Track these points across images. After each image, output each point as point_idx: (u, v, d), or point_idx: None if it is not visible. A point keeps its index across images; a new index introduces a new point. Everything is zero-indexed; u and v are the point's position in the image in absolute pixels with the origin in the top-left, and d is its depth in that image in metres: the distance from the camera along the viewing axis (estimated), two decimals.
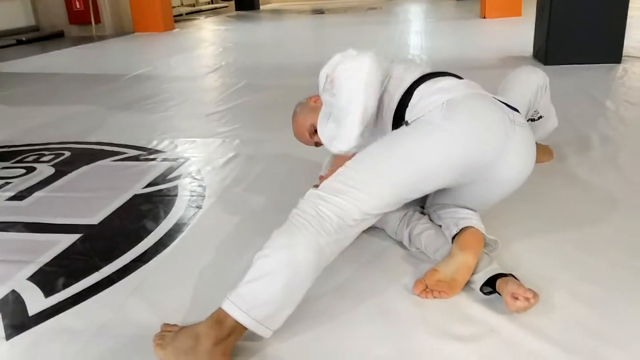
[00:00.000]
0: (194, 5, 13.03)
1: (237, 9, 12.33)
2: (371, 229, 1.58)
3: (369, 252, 1.59)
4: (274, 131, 2.83)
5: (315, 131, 1.72)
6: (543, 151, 2.22)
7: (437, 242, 1.52)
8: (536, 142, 2.12)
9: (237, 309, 1.16)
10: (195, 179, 2.28)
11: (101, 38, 8.07)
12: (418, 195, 1.38)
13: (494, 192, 1.48)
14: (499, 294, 1.30)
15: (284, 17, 10.78)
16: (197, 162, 2.48)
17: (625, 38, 4.12)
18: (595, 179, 2.05)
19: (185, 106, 3.65)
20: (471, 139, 1.35)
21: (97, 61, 6.06)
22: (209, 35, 8.22)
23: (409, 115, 1.46)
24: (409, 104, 1.47)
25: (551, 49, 4.17)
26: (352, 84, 1.44)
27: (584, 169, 2.15)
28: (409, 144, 1.34)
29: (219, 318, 1.17)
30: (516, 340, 1.19)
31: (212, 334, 1.16)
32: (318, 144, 1.77)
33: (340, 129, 1.49)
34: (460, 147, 1.33)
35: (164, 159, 2.52)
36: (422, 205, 1.69)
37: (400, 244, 1.62)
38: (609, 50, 4.09)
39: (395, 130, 1.46)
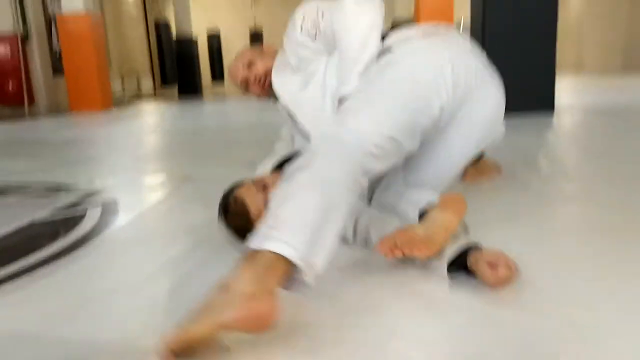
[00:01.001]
0: (136, 93, 13.02)
1: (179, 93, 12.35)
2: None
3: None
4: (207, 167, 2.60)
5: (249, 65, 1.60)
6: (492, 166, 2.09)
7: (390, 225, 1.25)
8: (484, 157, 1.99)
9: (270, 240, 0.89)
10: (109, 203, 1.97)
11: (34, 117, 7.75)
12: (426, 120, 1.23)
13: (469, 140, 1.34)
14: (471, 272, 1.07)
15: (226, 100, 10.87)
16: (115, 191, 2.18)
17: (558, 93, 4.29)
18: (550, 188, 1.92)
19: (113, 156, 3.37)
20: (457, 55, 1.31)
21: (25, 133, 5.71)
22: (149, 110, 8.08)
23: (388, 42, 1.37)
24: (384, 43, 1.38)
25: None
26: (365, 26, 1.35)
27: (535, 180, 2.03)
28: (404, 66, 1.28)
29: (250, 257, 0.90)
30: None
31: (244, 273, 0.87)
32: (246, 81, 1.63)
33: (349, 70, 1.36)
34: (449, 60, 1.27)
35: (77, 192, 2.21)
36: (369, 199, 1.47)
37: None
38: (543, 101, 4.22)
39: (384, 60, 1.32)
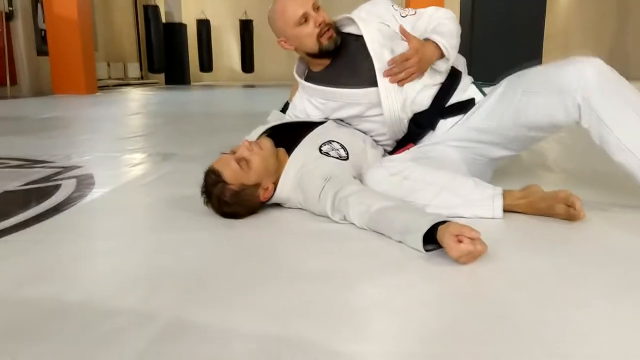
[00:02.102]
0: (122, 79, 12.83)
1: (167, 81, 12.23)
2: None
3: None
4: (188, 148, 2.57)
5: (317, 8, 1.48)
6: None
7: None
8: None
9: None
10: (85, 177, 1.93)
11: (16, 97, 7.60)
12: None
13: None
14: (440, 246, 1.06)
15: (214, 89, 10.79)
16: (92, 166, 2.14)
17: None
18: (530, 178, 1.93)
19: (93, 135, 3.31)
20: None
21: (5, 111, 5.60)
22: (134, 96, 7.98)
23: None
24: None
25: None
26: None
27: (516, 170, 2.04)
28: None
29: None
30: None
31: None
32: (305, 17, 1.45)
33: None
34: None
35: (53, 167, 2.16)
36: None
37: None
38: None
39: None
